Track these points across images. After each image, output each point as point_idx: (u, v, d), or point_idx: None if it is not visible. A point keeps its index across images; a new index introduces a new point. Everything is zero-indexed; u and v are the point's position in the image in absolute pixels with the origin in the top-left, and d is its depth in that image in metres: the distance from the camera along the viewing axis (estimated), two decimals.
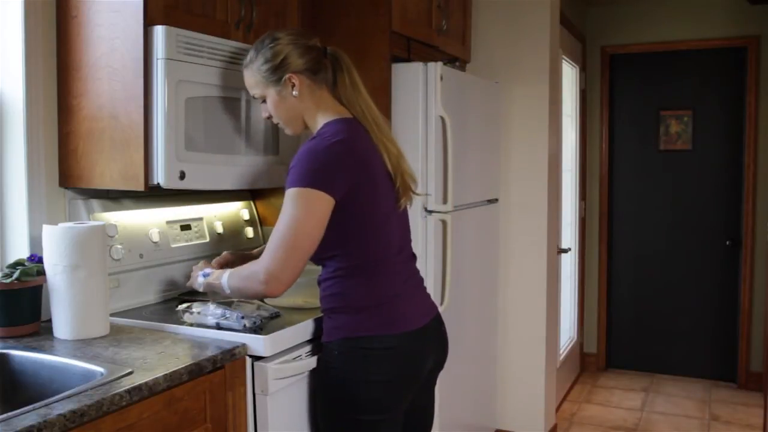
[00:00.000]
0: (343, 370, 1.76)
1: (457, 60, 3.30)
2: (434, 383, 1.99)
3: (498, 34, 3.47)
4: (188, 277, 2.04)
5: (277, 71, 1.81)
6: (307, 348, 1.90)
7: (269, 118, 1.91)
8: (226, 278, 1.79)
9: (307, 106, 1.84)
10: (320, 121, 1.83)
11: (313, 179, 1.68)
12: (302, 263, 1.69)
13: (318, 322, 1.93)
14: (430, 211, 2.65)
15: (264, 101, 1.88)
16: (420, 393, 1.90)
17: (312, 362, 1.87)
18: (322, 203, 1.68)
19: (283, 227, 1.67)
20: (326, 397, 1.81)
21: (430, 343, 1.88)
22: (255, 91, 1.88)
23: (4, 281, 1.77)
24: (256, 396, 1.77)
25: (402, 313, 1.81)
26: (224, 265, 2.03)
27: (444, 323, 1.97)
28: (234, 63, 2.07)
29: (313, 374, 1.88)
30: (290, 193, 1.69)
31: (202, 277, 1.89)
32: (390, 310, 1.79)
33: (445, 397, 2.14)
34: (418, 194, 1.95)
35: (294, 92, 1.82)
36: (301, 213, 1.67)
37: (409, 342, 1.80)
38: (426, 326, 1.86)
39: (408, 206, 1.92)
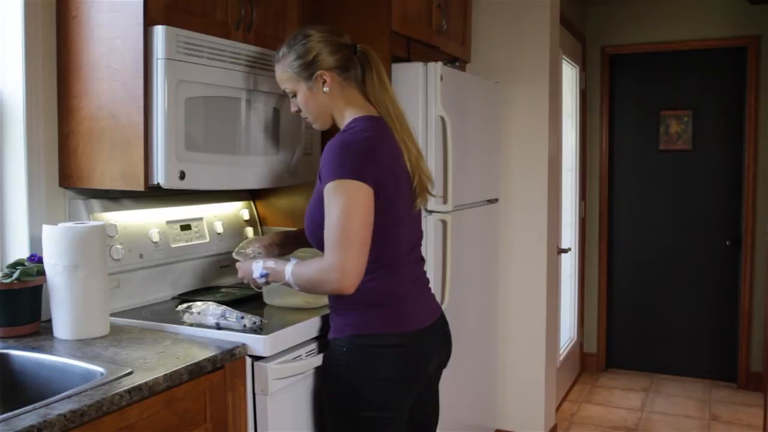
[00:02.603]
0: (350, 366, 1.77)
1: (457, 60, 3.30)
2: (438, 381, 2.00)
3: (498, 34, 3.46)
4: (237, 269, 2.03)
5: (309, 68, 1.84)
6: (308, 348, 1.90)
7: (298, 112, 1.93)
8: (291, 278, 1.78)
9: (336, 103, 1.86)
10: (348, 117, 1.85)
11: (349, 170, 1.68)
12: (365, 251, 1.68)
13: (322, 321, 1.94)
14: (430, 211, 2.65)
15: (294, 96, 1.91)
16: (424, 391, 1.91)
17: (313, 362, 1.87)
18: (363, 191, 1.68)
19: (334, 221, 1.67)
20: (332, 393, 1.82)
21: (435, 342, 1.89)
22: (286, 85, 1.90)
23: (4, 281, 1.77)
24: (256, 396, 1.77)
25: (409, 313, 1.82)
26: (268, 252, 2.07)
27: (448, 323, 1.98)
28: (234, 63, 2.07)
29: (318, 371, 1.88)
30: (330, 187, 1.69)
31: (261, 278, 1.87)
32: (398, 309, 1.80)
33: (445, 397, 2.14)
34: (433, 195, 1.96)
35: (325, 88, 1.84)
36: (347, 203, 1.66)
37: (416, 341, 1.81)
38: (431, 326, 1.87)
39: (424, 207, 1.93)
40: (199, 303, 1.93)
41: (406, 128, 1.88)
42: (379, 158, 1.74)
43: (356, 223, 1.66)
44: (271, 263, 1.88)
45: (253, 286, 1.95)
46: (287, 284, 1.81)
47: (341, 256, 1.65)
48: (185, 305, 1.94)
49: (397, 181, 1.80)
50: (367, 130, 1.77)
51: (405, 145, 1.85)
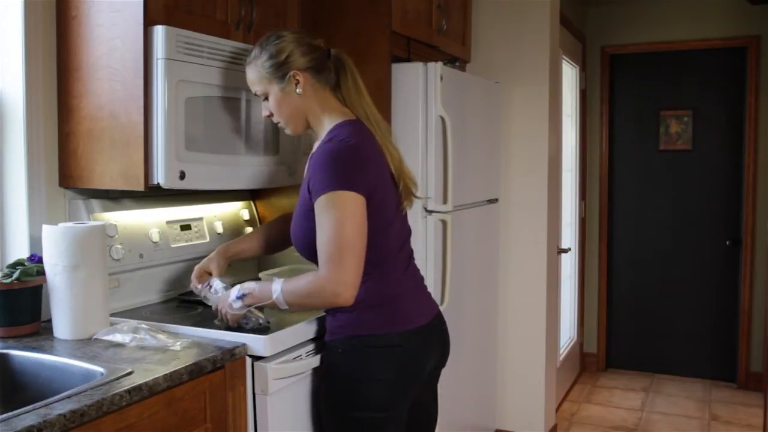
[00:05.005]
0: (346, 368, 1.77)
1: (457, 60, 3.30)
2: (436, 381, 1.99)
3: (498, 34, 3.47)
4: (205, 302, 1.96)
5: (282, 68, 1.80)
6: (308, 348, 1.90)
7: (270, 116, 1.89)
8: (281, 296, 1.72)
9: (310, 105, 1.84)
10: (326, 122, 1.83)
11: (341, 181, 1.67)
12: (360, 262, 1.67)
13: (320, 321, 1.94)
14: (430, 211, 2.64)
15: (265, 99, 1.87)
16: (423, 391, 1.90)
17: (312, 362, 1.87)
18: (356, 202, 1.67)
19: (328, 234, 1.65)
20: (329, 395, 1.82)
21: (431, 341, 1.89)
22: (257, 87, 1.86)
23: (4, 281, 1.77)
24: (256, 396, 1.77)
25: (404, 312, 1.82)
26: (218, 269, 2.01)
27: (445, 322, 1.98)
28: (234, 63, 2.07)
29: (316, 373, 1.88)
30: (323, 200, 1.67)
31: (238, 301, 1.79)
32: (392, 309, 1.79)
33: (445, 397, 2.14)
34: (418, 197, 1.94)
35: (298, 89, 1.82)
36: (341, 214, 1.65)
37: (411, 340, 1.80)
38: (428, 324, 1.87)
39: (424, 207, 1.92)
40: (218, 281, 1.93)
41: (386, 132, 1.86)
42: (368, 165, 1.73)
43: (351, 234, 1.65)
44: (251, 284, 1.81)
45: (227, 320, 1.82)
46: (274, 305, 1.74)
47: (338, 269, 1.63)
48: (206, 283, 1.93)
49: (385, 184, 1.79)
50: (352, 137, 1.75)
51: (387, 149, 1.83)
